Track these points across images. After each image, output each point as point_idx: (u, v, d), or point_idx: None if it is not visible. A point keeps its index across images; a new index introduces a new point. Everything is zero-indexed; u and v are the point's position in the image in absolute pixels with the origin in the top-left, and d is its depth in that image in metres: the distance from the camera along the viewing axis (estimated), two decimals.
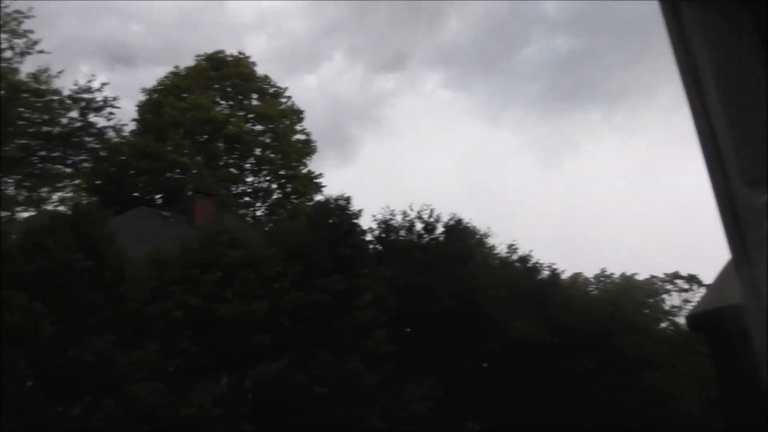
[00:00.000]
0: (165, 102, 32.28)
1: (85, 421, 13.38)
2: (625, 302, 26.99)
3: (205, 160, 31.73)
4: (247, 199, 35.17)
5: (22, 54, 23.14)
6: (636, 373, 22.10)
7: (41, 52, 23.38)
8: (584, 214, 54.87)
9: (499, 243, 25.19)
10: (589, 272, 37.64)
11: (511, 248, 24.19)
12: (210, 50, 35.62)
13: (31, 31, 23.29)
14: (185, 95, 33.02)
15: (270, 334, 15.79)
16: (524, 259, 23.85)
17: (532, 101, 58.88)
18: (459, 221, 22.50)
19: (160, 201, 30.82)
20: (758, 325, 1.39)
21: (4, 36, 22.73)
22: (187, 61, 35.81)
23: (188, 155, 30.97)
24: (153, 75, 65.58)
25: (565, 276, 26.33)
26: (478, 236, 23.93)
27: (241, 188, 34.92)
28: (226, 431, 14.51)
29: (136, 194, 29.68)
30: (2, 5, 22.61)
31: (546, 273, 23.89)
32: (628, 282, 36.21)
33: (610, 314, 23.39)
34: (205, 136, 33.36)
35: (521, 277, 22.79)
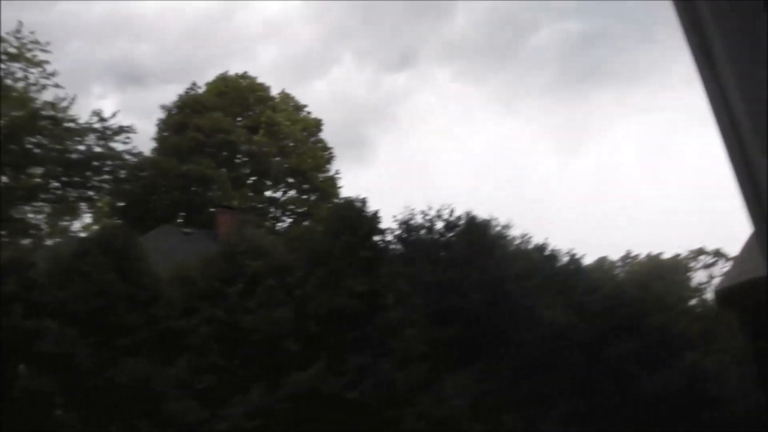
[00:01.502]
0: (188, 122, 32.69)
1: None
2: (652, 282, 26.61)
3: (228, 176, 32.15)
4: (272, 210, 35.59)
5: (37, 84, 23.56)
6: (671, 353, 21.77)
7: (57, 86, 23.79)
8: (606, 196, 54.20)
9: (520, 234, 24.97)
10: (615, 255, 37.23)
11: (525, 237, 23.96)
12: (220, 65, 36.28)
13: (47, 62, 23.74)
14: (210, 113, 33.41)
15: (298, 341, 15.87)
16: (541, 248, 23.62)
17: (545, 88, 58.36)
18: (476, 217, 22.40)
19: (181, 219, 31.24)
20: None
21: (18, 66, 23.17)
22: (201, 78, 36.41)
23: (211, 170, 31.41)
24: (164, 94, 66.40)
25: (589, 261, 26.06)
26: (499, 228, 23.77)
27: (265, 202, 35.38)
28: None
29: (157, 214, 30.13)
30: (18, 35, 23.05)
31: (566, 259, 23.63)
32: (654, 262, 35.75)
33: (639, 296, 23.09)
34: (224, 153, 33.79)
35: (543, 266, 22.59)
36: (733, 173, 1.56)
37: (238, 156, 34.70)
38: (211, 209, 28.54)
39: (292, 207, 35.82)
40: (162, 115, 34.32)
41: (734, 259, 16.26)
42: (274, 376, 15.60)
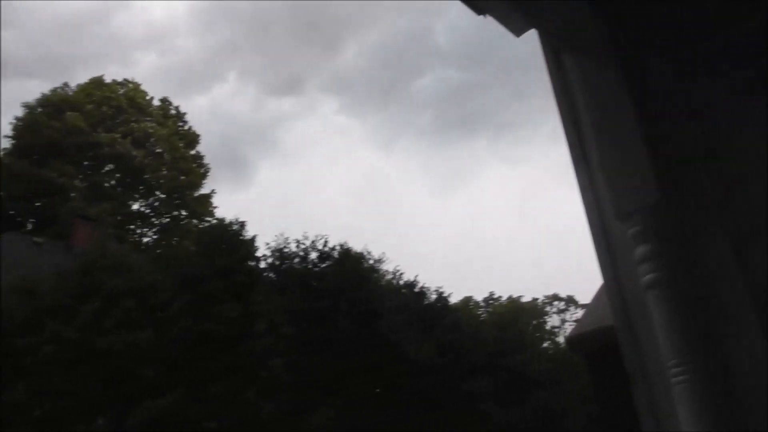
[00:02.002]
0: (42, 122, 30.07)
1: None
2: (511, 324, 28.22)
3: (89, 184, 29.90)
4: (138, 223, 33.48)
5: None
6: (525, 392, 23.09)
7: None
8: (474, 239, 57.08)
9: (392, 269, 25.55)
10: (480, 296, 39.08)
11: (397, 273, 24.59)
12: (94, 65, 34.04)
13: None
14: (70, 114, 30.96)
15: (157, 367, 14.96)
16: (411, 285, 24.32)
17: (424, 130, 60.95)
18: (350, 249, 22.69)
19: (30, 226, 28.59)
20: (627, 344, 1.54)
21: None
22: (69, 76, 33.89)
23: (67, 177, 29.03)
24: (26, 88, 60.86)
25: (455, 300, 27.13)
26: (372, 262, 24.15)
27: (130, 212, 33.21)
28: None
29: (3, 220, 27.32)
30: None
31: (433, 297, 24.47)
32: (514, 304, 37.89)
33: (499, 336, 24.38)
34: (86, 162, 31.45)
35: (412, 302, 23.23)
36: (590, 230, 1.75)
37: (109, 165, 32.50)
38: (70, 219, 26.37)
39: (159, 222, 34.02)
40: (21, 113, 31.35)
41: (586, 306, 17.76)
42: (126, 403, 14.54)
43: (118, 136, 32.32)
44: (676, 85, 1.62)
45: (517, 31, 1.75)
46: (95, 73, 34.90)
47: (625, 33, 1.69)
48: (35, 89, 47.76)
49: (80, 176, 30.17)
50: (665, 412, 1.46)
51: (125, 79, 35.07)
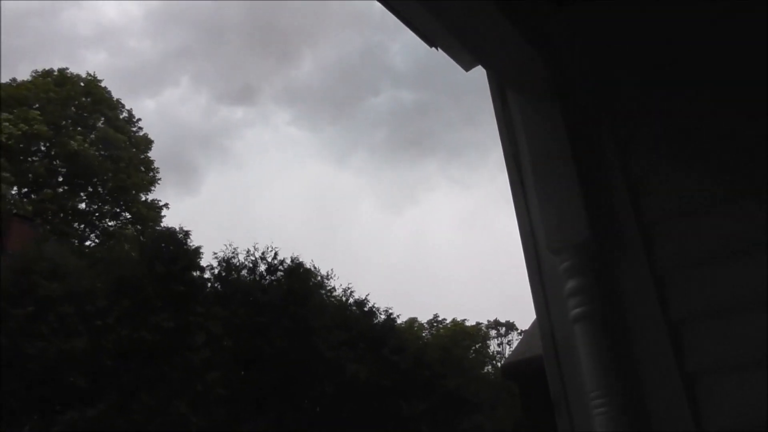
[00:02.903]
0: None
1: None
2: (454, 347, 28.45)
3: (29, 181, 28.67)
4: (81, 225, 32.25)
5: None
6: (462, 415, 23.26)
7: None
8: (422, 259, 57.53)
9: (339, 285, 25.49)
10: (424, 317, 39.30)
11: (347, 291, 24.55)
12: (37, 60, 32.74)
13: None
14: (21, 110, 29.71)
15: (88, 375, 14.41)
16: (360, 303, 24.30)
17: (376, 147, 61.39)
18: (301, 263, 22.50)
19: None
20: (553, 373, 1.60)
21: None
22: (10, 70, 32.55)
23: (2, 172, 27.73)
24: None
25: (401, 321, 27.18)
26: (318, 278, 24.02)
27: (74, 210, 31.97)
28: None
29: None
30: None
31: (382, 317, 24.50)
32: (457, 327, 38.26)
33: (441, 358, 24.54)
34: (31, 158, 30.20)
35: (358, 320, 23.17)
36: (525, 261, 1.81)
37: (55, 161, 31.28)
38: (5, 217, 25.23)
39: (103, 225, 32.92)
40: None
41: (523, 333, 18.14)
42: (51, 412, 13.93)
43: (79, 137, 31.29)
44: (610, 125, 1.72)
45: (466, 66, 1.82)
46: (39, 68, 33.47)
47: (567, 76, 1.78)
48: None
49: (19, 173, 28.91)
50: None
51: (88, 73, 33.95)
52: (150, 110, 49.50)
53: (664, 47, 1.70)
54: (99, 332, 15.05)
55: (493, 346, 42.16)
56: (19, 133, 28.93)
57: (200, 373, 16.25)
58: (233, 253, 21.88)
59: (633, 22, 1.78)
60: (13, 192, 28.29)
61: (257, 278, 21.82)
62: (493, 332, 42.71)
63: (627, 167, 1.63)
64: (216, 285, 21.01)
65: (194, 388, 15.96)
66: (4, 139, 28.36)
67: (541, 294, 1.71)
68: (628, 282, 1.57)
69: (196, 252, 18.69)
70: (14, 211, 25.73)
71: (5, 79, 31.91)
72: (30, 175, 29.23)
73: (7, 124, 28.73)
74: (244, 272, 21.77)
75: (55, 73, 32.87)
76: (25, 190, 28.57)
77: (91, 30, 48.02)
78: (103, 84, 34.27)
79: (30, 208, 27.06)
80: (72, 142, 30.83)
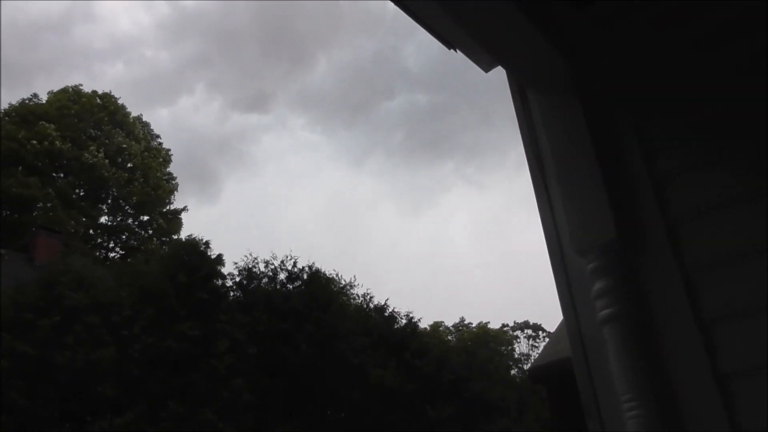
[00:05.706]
0: (9, 133, 29.38)
1: None
2: (479, 350, 28.25)
3: (57, 196, 29.23)
4: (104, 237, 32.82)
5: None
6: (488, 419, 23.06)
7: None
8: (445, 262, 57.33)
9: (360, 291, 25.51)
10: (450, 321, 39.20)
11: (366, 297, 24.55)
12: (53, 75, 33.30)
13: None
14: (43, 125, 30.31)
15: (116, 385, 14.58)
16: (381, 309, 24.28)
17: (392, 151, 61.40)
18: (319, 271, 22.58)
19: None
20: (582, 377, 1.57)
21: None
22: (29, 85, 33.14)
23: (32, 189, 28.32)
24: None
25: (425, 325, 27.10)
26: (340, 284, 24.06)
27: (98, 225, 32.55)
28: None
29: None
30: None
31: (403, 322, 24.44)
32: (482, 330, 38.01)
33: (466, 362, 24.37)
34: (55, 174, 30.79)
35: (378, 325, 23.15)
36: (550, 262, 1.79)
37: (79, 177, 31.84)
38: (33, 229, 25.72)
39: (126, 237, 33.41)
40: None
41: (550, 336, 17.93)
42: (81, 421, 14.12)
43: (92, 148, 31.84)
44: (633, 123, 1.69)
45: (485, 67, 1.81)
46: (56, 83, 34.26)
47: (588, 75, 1.76)
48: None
49: (49, 189, 29.48)
50: None
51: (104, 92, 34.67)
52: (165, 118, 50.12)
53: (687, 44, 1.67)
54: (125, 342, 15.22)
55: (521, 348, 41.84)
56: (41, 149, 29.52)
57: (226, 379, 16.35)
58: (254, 262, 22.04)
59: (654, 20, 1.75)
60: (39, 206, 28.84)
61: (278, 286, 21.94)
62: (521, 334, 42.40)
63: (652, 165, 1.60)
64: (237, 293, 21.17)
65: (220, 395, 16.06)
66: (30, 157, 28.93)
67: (567, 296, 1.68)
68: (656, 281, 1.54)
69: (218, 260, 18.87)
70: (41, 224, 26.25)
71: (25, 95, 32.56)
72: (51, 190, 29.73)
73: (34, 142, 29.34)
74: (264, 281, 21.91)
75: (70, 90, 33.48)
76: (49, 204, 29.08)
77: (105, 43, 48.77)
78: (119, 97, 34.93)
79: (59, 223, 27.58)
80: (86, 154, 31.36)
